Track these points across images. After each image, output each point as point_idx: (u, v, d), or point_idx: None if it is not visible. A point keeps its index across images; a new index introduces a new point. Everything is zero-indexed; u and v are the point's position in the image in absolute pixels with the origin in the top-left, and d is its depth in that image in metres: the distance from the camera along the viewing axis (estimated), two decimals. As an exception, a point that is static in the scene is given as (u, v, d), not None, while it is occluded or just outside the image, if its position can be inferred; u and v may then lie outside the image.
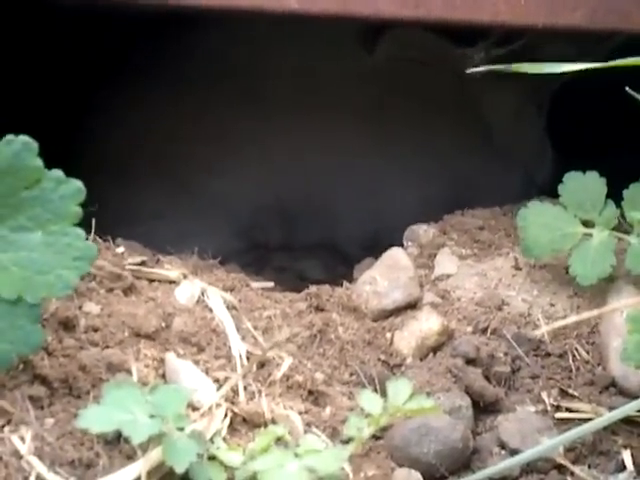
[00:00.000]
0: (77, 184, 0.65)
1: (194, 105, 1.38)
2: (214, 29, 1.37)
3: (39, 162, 0.63)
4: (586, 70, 0.85)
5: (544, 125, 1.45)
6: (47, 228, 0.64)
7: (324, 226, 1.42)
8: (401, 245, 1.29)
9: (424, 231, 1.18)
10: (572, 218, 1.02)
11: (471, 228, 1.18)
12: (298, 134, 1.37)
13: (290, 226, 1.42)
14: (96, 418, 0.67)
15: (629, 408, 0.76)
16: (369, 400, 0.76)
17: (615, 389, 0.93)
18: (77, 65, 1.41)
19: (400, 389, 0.76)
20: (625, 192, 1.02)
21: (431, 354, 0.95)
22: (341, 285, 1.01)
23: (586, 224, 1.02)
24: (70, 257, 0.65)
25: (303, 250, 1.43)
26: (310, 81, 1.38)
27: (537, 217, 1.03)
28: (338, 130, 1.37)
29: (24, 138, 0.62)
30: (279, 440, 0.75)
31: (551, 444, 0.81)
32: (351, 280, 1.16)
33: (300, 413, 0.83)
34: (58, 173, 0.65)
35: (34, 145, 0.63)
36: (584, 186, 1.03)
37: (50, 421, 0.72)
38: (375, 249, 1.39)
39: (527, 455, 0.80)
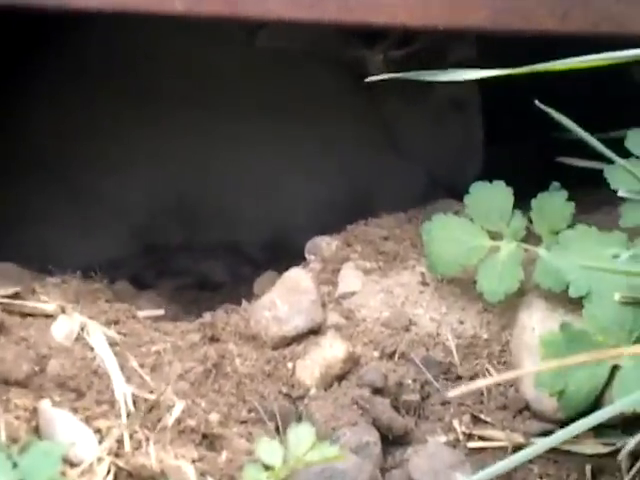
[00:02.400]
0: None
1: (84, 100, 1.29)
2: (104, 21, 1.29)
3: None
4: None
5: (474, 121, 1.40)
6: None
7: (225, 227, 1.36)
8: (302, 246, 1.24)
9: (327, 244, 1.11)
10: (479, 230, 0.97)
11: (375, 239, 1.12)
12: (197, 131, 1.30)
13: (190, 227, 1.35)
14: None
15: (551, 442, 0.71)
16: (268, 450, 0.70)
17: (529, 412, 0.88)
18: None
19: (301, 437, 0.69)
20: (533, 201, 0.97)
21: (336, 383, 0.88)
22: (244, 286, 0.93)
23: (493, 236, 0.96)
24: None
25: (204, 251, 1.36)
26: (206, 75, 1.31)
27: (442, 231, 0.97)
28: (240, 128, 1.31)
29: None
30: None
31: (464, 483, 0.76)
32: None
33: (193, 461, 0.76)
34: None
35: None
36: (491, 196, 0.98)
37: None
38: (277, 250, 1.35)
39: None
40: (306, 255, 1.13)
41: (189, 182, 1.32)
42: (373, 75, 1.09)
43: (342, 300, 1.00)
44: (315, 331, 0.92)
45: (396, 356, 0.91)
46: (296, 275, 0.94)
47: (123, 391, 0.77)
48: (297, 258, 1.23)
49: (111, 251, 1.22)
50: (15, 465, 0.63)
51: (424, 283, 0.99)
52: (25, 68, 1.31)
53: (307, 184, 1.34)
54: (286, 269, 1.23)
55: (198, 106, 1.29)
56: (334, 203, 1.32)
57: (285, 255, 1.34)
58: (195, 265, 1.37)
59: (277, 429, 0.84)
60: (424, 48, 1.10)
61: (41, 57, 1.31)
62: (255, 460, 0.72)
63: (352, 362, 0.89)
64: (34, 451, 0.64)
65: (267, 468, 0.69)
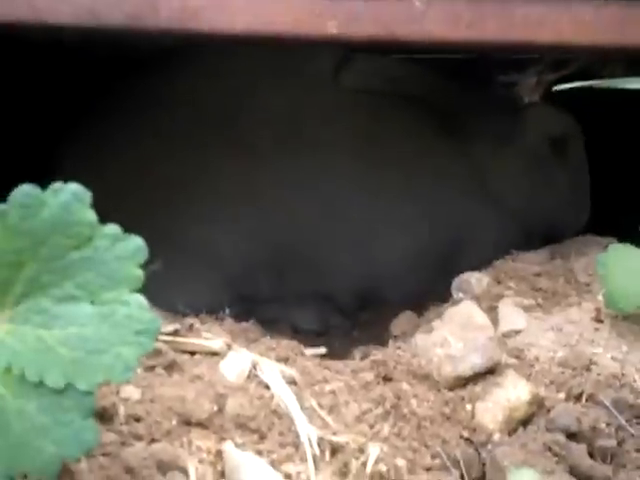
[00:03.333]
0: (136, 241, 0.50)
1: (183, 151, 1.25)
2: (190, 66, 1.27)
3: (92, 215, 0.48)
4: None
5: (577, 162, 1.33)
6: (101, 297, 0.49)
7: (314, 276, 1.30)
8: (395, 295, 1.18)
9: (477, 280, 1.05)
10: (661, 262, 0.89)
11: (527, 275, 1.06)
12: (289, 180, 1.25)
13: (280, 276, 1.29)
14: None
15: None
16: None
17: None
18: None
19: (525, 482, 0.61)
20: None
21: (521, 428, 0.81)
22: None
23: (678, 268, 0.89)
24: (131, 331, 0.50)
25: (294, 300, 1.31)
26: (296, 122, 1.26)
27: (621, 262, 0.90)
28: (332, 176, 1.26)
29: (74, 186, 0.47)
30: None
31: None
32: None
33: (389, 513, 0.68)
34: (114, 228, 0.49)
35: (86, 195, 0.48)
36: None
37: None
38: (368, 299, 1.29)
39: None
40: (453, 292, 1.07)
41: (280, 233, 1.27)
42: (524, 99, 1.04)
43: (507, 339, 0.93)
44: (492, 370, 0.84)
45: (583, 398, 0.83)
46: (468, 310, 0.87)
47: (307, 433, 0.70)
48: (388, 310, 1.18)
49: (204, 301, 1.16)
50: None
51: (598, 320, 0.92)
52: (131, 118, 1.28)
53: (399, 233, 1.28)
54: (378, 319, 1.18)
55: (290, 155, 1.25)
56: (425, 253, 1.25)
57: (374, 306, 1.29)
58: (285, 314, 1.32)
59: (462, 476, 0.77)
60: (579, 71, 1.03)
61: (152, 107, 1.27)
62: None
63: (537, 404, 0.81)
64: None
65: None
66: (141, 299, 0.52)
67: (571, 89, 0.90)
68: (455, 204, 1.29)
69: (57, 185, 0.48)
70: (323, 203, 1.26)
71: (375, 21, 0.92)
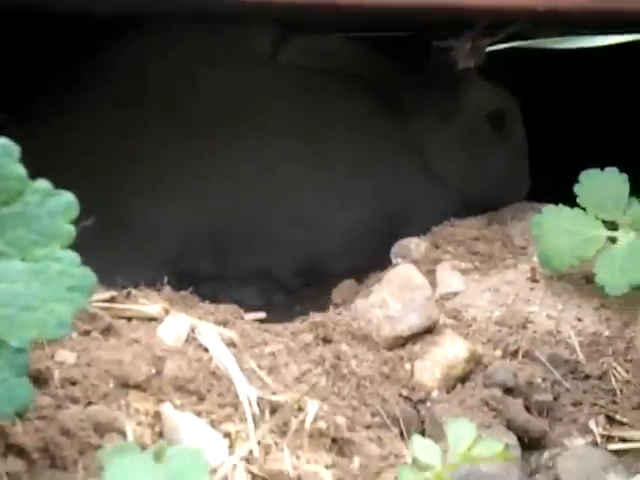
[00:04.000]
0: (67, 197, 0.50)
1: (125, 130, 1.24)
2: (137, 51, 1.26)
3: (21, 170, 0.47)
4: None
5: (516, 137, 1.34)
6: (32, 253, 0.49)
7: (256, 253, 1.30)
8: (335, 272, 1.18)
9: (415, 245, 1.06)
10: (593, 220, 0.91)
11: (465, 239, 1.07)
12: (225, 158, 1.24)
13: (221, 254, 1.29)
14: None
15: None
16: (424, 449, 0.62)
17: (667, 411, 0.82)
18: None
19: (461, 433, 0.62)
20: (646, 187, 0.92)
21: (459, 385, 0.82)
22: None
23: (609, 226, 0.91)
24: (64, 287, 0.49)
25: (237, 278, 1.30)
26: (231, 99, 1.25)
27: (554, 223, 0.91)
28: (270, 153, 1.26)
29: (3, 141, 0.46)
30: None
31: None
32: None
33: (327, 467, 0.69)
34: (44, 184, 0.49)
35: (15, 150, 0.47)
36: (604, 184, 0.92)
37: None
38: (309, 276, 1.29)
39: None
40: (392, 258, 1.08)
41: (220, 209, 1.26)
42: (460, 65, 1.05)
43: (444, 301, 0.94)
44: (430, 330, 0.85)
45: (520, 355, 0.84)
46: (407, 271, 0.87)
47: (247, 393, 0.70)
48: (331, 283, 1.18)
49: (142, 279, 1.16)
50: (157, 471, 0.56)
51: (534, 280, 0.93)
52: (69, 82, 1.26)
53: (340, 209, 1.28)
54: (320, 293, 1.18)
55: (226, 132, 1.24)
56: (366, 229, 1.26)
57: (318, 281, 1.29)
58: (228, 292, 1.31)
59: (401, 433, 0.78)
60: (512, 36, 1.04)
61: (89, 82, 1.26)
62: (405, 462, 0.65)
63: (474, 362, 0.83)
64: (179, 456, 0.57)
65: (423, 469, 0.62)
66: (73, 255, 0.51)
67: (506, 53, 0.91)
68: (396, 180, 1.29)
69: (-19, 139, 0.47)
70: (264, 181, 1.26)
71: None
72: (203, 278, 1.28)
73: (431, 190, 1.30)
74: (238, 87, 1.25)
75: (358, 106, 1.28)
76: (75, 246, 0.52)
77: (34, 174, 0.53)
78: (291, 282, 1.30)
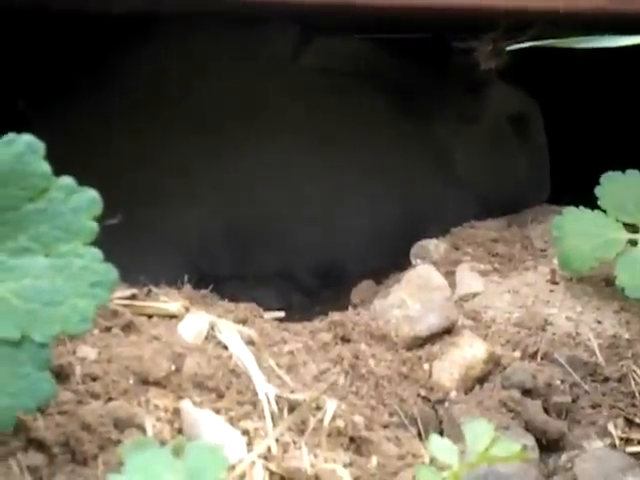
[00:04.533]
0: (91, 194, 0.50)
1: (146, 130, 1.24)
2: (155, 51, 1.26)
3: (46, 167, 0.48)
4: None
5: (537, 139, 1.34)
6: (56, 249, 0.49)
7: (276, 255, 1.30)
8: (354, 274, 1.18)
9: (435, 246, 1.06)
10: (613, 223, 0.91)
11: (485, 241, 1.07)
12: (246, 159, 1.24)
13: (241, 255, 1.29)
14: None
15: None
16: (441, 448, 0.63)
17: (687, 416, 0.81)
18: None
19: (479, 433, 0.62)
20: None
21: (477, 386, 0.82)
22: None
23: (630, 229, 0.91)
24: (86, 283, 0.50)
25: (256, 279, 1.31)
26: (254, 100, 1.26)
27: (574, 225, 0.91)
28: (290, 154, 1.26)
29: (28, 138, 0.47)
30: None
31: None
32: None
33: (344, 466, 0.69)
34: (68, 180, 0.49)
35: (40, 146, 0.47)
36: (625, 186, 0.92)
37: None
38: (329, 277, 1.29)
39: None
40: (412, 259, 1.08)
41: (240, 211, 1.26)
42: (481, 66, 1.05)
43: (463, 302, 0.94)
44: (449, 331, 0.85)
45: (539, 356, 0.84)
46: (426, 272, 0.88)
47: (265, 391, 0.71)
48: (350, 286, 1.18)
49: (163, 279, 1.16)
50: (178, 466, 0.56)
51: (553, 282, 0.93)
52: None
53: (360, 211, 1.28)
54: (340, 296, 1.18)
55: (246, 133, 1.24)
56: (386, 230, 1.26)
57: (337, 283, 1.29)
58: (247, 292, 1.31)
59: (419, 433, 0.78)
60: (534, 37, 1.04)
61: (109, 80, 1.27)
62: (423, 462, 0.65)
63: (493, 363, 0.83)
64: (197, 452, 0.57)
65: (442, 468, 0.62)
66: (96, 251, 0.51)
67: (528, 54, 0.91)
68: (416, 181, 1.29)
69: (10, 136, 0.47)
70: (284, 182, 1.26)
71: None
72: (223, 278, 1.29)
73: (451, 192, 1.30)
74: (261, 89, 1.25)
75: (379, 108, 1.28)
76: (98, 244, 0.52)
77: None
78: (310, 283, 1.30)
